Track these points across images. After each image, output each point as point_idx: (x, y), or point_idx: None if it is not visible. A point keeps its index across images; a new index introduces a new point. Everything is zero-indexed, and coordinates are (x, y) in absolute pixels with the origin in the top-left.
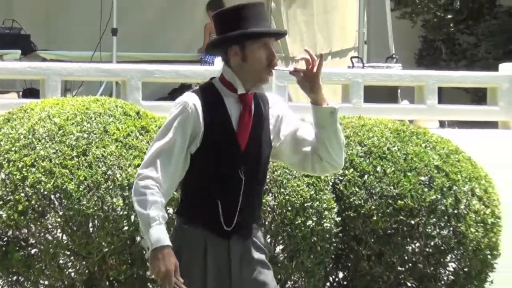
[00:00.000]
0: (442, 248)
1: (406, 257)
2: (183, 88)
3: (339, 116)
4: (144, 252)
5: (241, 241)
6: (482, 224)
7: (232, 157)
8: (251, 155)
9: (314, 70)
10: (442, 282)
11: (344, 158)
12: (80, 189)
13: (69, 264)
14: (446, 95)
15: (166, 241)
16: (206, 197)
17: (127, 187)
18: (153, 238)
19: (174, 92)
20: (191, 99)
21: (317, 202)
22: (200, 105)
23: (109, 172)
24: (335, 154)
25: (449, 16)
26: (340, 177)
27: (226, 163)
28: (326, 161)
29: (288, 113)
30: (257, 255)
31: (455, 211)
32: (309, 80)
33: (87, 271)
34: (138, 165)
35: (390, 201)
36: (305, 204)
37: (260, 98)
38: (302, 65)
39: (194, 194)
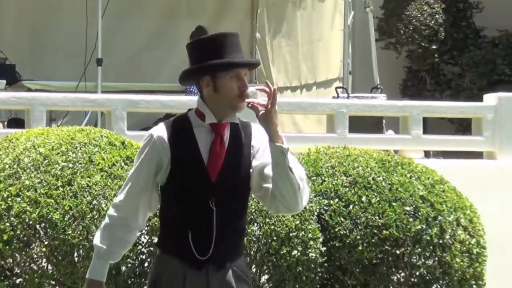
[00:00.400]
0: (428, 278)
1: (391, 287)
2: (168, 118)
3: (290, 153)
4: None
5: (221, 272)
6: (467, 254)
7: (201, 188)
8: (224, 185)
9: (269, 106)
10: None
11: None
12: (65, 218)
13: None
14: (431, 125)
15: (99, 276)
16: (178, 228)
17: None
18: (90, 268)
19: (159, 122)
20: (157, 131)
21: (302, 232)
22: (167, 136)
23: (94, 202)
24: (287, 195)
25: (434, 47)
26: (325, 207)
27: (196, 194)
28: (279, 200)
29: (265, 147)
30: (238, 285)
31: (440, 241)
32: (263, 115)
33: None
34: None
35: (375, 231)
36: (291, 234)
37: (242, 128)
38: (263, 97)
39: (168, 225)
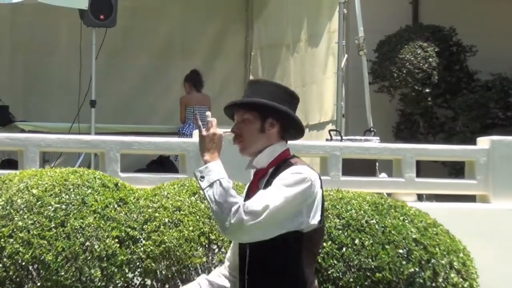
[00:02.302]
0: None
1: None
2: (161, 160)
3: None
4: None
5: None
6: None
7: None
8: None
9: (202, 132)
10: None
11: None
12: (58, 260)
13: None
14: (424, 168)
15: None
16: None
17: (105, 258)
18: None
19: (152, 164)
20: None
21: None
22: None
23: (87, 243)
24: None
25: (427, 90)
26: None
27: None
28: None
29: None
30: None
31: (434, 284)
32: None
33: None
34: (116, 237)
35: (368, 274)
36: None
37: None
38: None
39: None
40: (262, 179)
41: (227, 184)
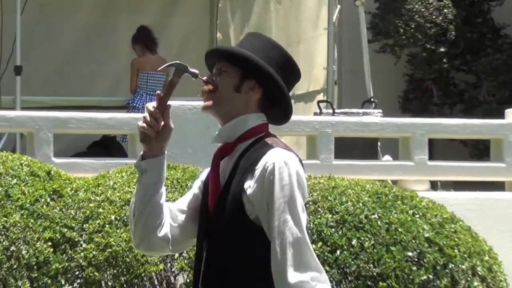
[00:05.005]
0: None
1: None
2: (105, 141)
3: None
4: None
5: None
6: None
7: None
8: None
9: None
10: None
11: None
12: None
13: None
14: (438, 149)
15: None
16: None
17: (35, 267)
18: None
19: (94, 146)
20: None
21: None
22: None
23: (13, 247)
24: None
25: (442, 50)
26: None
27: None
28: None
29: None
30: None
31: None
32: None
33: None
34: (50, 239)
35: (369, 283)
36: None
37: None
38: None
39: None
40: (227, 158)
41: None
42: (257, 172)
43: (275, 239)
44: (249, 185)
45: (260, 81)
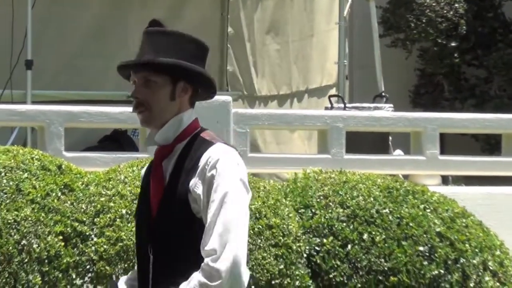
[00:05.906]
0: None
1: None
2: (116, 135)
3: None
4: None
5: None
6: None
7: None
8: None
9: None
10: None
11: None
12: None
13: None
14: (450, 144)
15: None
16: None
17: (46, 261)
18: None
19: (105, 140)
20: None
21: (288, 279)
22: None
23: (24, 241)
24: None
25: (453, 44)
26: (316, 248)
27: None
28: None
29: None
30: None
31: None
32: None
33: None
34: (61, 233)
35: (380, 278)
36: (273, 282)
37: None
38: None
39: None
40: (167, 159)
41: None
42: (200, 169)
43: (208, 230)
44: (194, 183)
45: (190, 81)
